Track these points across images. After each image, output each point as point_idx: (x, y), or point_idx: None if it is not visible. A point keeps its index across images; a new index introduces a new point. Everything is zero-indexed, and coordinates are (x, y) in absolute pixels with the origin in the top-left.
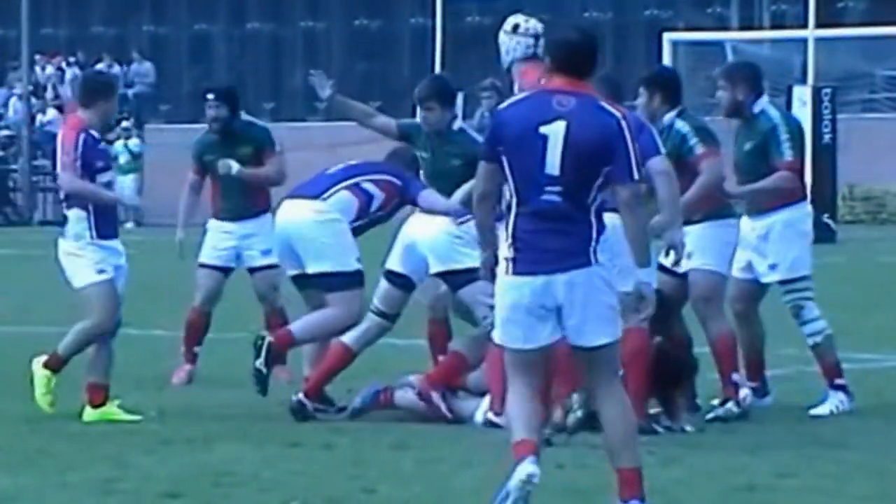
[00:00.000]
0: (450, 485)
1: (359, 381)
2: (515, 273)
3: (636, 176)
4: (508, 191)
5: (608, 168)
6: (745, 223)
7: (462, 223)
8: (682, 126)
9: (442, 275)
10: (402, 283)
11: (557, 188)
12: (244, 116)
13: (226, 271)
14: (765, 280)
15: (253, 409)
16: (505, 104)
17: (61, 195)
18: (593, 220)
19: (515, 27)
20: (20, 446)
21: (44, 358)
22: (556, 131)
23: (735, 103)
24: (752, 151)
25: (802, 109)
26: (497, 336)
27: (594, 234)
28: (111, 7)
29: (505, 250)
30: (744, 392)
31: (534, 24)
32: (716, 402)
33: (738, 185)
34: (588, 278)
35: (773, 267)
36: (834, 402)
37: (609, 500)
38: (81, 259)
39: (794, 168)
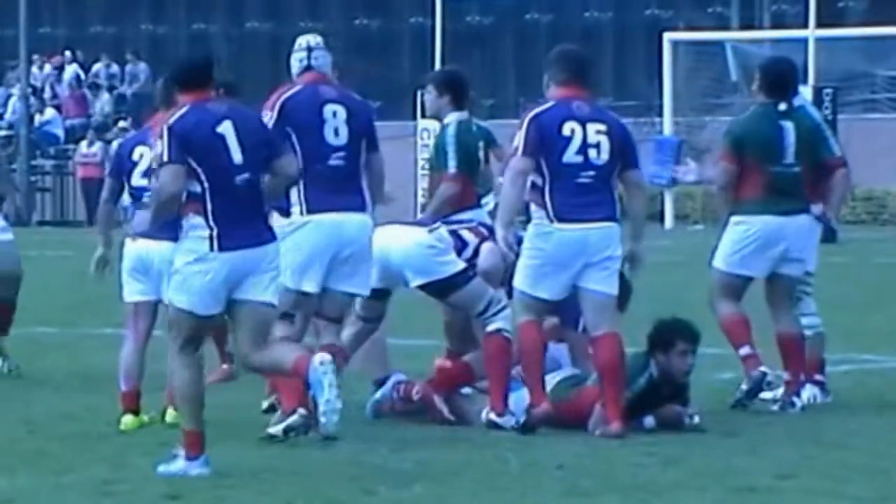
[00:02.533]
0: (449, 486)
1: (360, 381)
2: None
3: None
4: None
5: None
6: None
7: (433, 231)
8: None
9: (424, 287)
10: (378, 294)
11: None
12: None
13: None
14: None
15: (252, 410)
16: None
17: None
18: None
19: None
20: (17, 447)
21: None
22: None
23: None
24: (804, 137)
25: None
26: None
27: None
28: (109, 7)
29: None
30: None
31: (308, 39)
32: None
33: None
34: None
35: (800, 261)
36: (810, 394)
37: (610, 500)
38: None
39: (845, 161)
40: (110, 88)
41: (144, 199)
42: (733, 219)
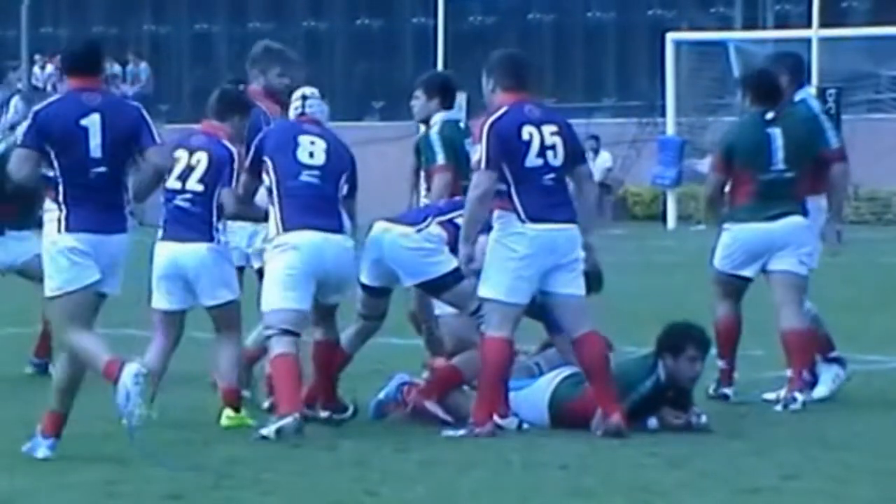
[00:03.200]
0: (452, 487)
1: (361, 381)
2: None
3: None
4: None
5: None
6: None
7: (421, 230)
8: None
9: (417, 286)
10: (377, 292)
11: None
12: None
13: None
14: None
15: (253, 410)
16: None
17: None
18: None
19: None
20: (17, 448)
21: None
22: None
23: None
24: (794, 140)
25: None
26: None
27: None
28: (111, 7)
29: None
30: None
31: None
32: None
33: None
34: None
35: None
36: (830, 376)
37: (613, 501)
38: None
39: (844, 155)
40: (112, 89)
41: (177, 200)
42: (724, 226)
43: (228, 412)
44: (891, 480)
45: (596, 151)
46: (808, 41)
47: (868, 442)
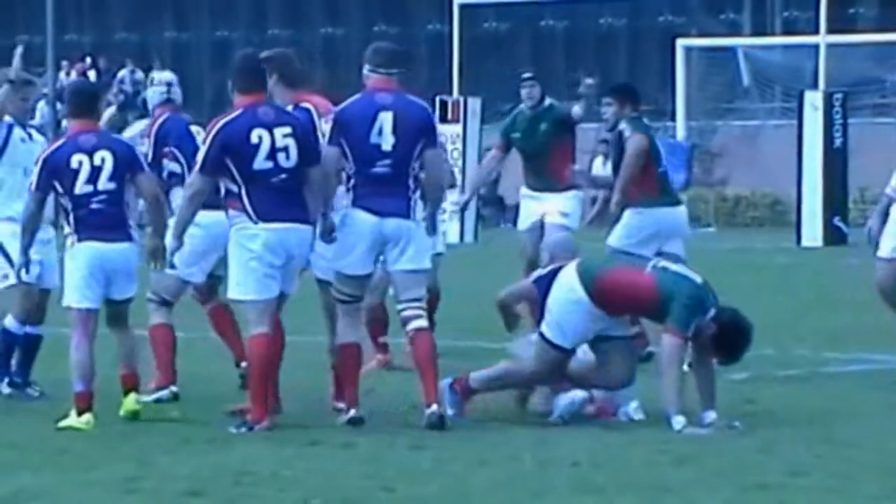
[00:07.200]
0: (466, 483)
1: (378, 380)
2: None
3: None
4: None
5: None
6: None
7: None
8: None
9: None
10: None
11: None
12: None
13: None
14: None
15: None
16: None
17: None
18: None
19: (152, 80)
20: (42, 445)
21: None
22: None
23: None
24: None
25: (814, 114)
26: None
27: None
28: (134, 14)
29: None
30: None
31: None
32: None
33: None
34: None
35: None
36: None
37: (628, 501)
38: None
39: None
40: (135, 94)
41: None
42: None
43: (134, 397)
44: (895, 478)
45: (606, 155)
46: (816, 47)
47: (873, 440)
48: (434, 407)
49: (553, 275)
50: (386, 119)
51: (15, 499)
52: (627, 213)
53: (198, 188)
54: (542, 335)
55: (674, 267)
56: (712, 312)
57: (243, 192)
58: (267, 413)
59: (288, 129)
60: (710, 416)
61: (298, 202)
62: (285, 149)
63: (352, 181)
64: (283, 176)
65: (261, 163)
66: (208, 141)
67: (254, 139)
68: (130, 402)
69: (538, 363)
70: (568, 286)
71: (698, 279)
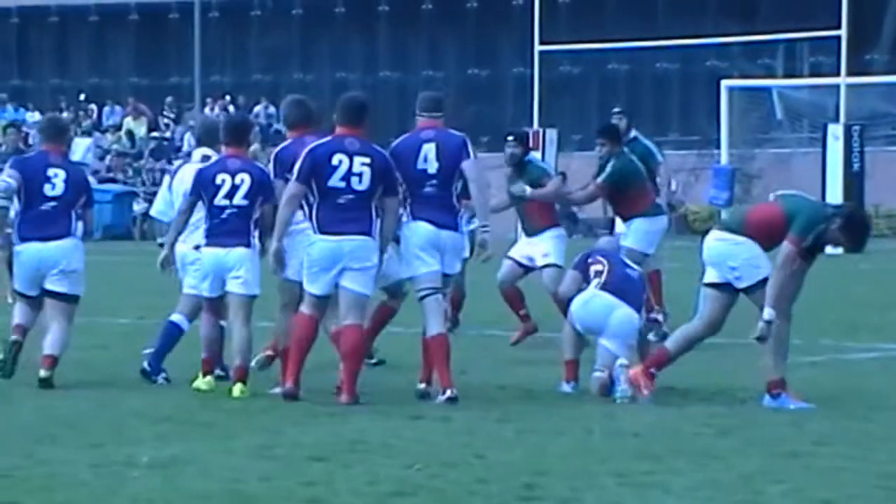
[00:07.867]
0: (544, 451)
1: (473, 363)
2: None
3: None
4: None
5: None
6: None
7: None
8: None
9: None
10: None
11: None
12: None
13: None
14: None
15: (381, 387)
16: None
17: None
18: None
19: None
20: (191, 419)
21: None
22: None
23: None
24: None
25: (835, 143)
26: None
27: None
28: (267, 58)
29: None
30: None
31: None
32: None
33: None
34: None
35: None
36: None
37: (680, 465)
38: None
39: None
40: (268, 126)
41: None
42: None
43: (240, 387)
44: None
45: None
46: (838, 87)
47: (886, 416)
48: (449, 391)
49: (586, 258)
50: (430, 149)
51: (171, 463)
52: (636, 222)
53: (293, 192)
54: (715, 286)
55: (791, 192)
56: (831, 212)
57: (315, 204)
58: (293, 380)
59: (367, 160)
60: (770, 313)
61: (357, 218)
62: (360, 175)
63: (408, 200)
64: (351, 196)
65: (335, 181)
66: (303, 156)
67: (335, 161)
68: (236, 390)
69: (722, 312)
70: (726, 239)
71: (813, 198)
